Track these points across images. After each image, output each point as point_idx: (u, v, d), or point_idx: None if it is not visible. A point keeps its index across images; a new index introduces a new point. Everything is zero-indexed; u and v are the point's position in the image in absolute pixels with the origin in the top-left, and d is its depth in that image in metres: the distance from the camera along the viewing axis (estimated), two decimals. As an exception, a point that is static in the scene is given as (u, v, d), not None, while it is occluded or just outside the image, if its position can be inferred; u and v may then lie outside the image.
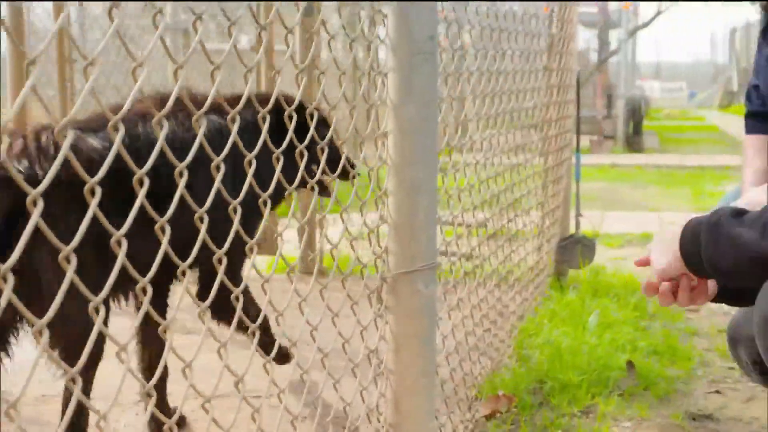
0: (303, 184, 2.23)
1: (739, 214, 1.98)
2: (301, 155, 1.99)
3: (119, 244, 1.35)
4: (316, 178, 2.14)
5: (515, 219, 4.29)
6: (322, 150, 2.09)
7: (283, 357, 3.04)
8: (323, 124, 2.82)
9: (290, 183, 1.99)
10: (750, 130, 3.38)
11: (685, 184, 10.87)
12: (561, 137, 5.03)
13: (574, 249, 4.98)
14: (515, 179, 4.26)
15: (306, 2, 4.05)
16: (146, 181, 1.42)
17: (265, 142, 1.83)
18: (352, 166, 3.03)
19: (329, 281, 2.09)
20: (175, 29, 8.22)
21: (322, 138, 2.12)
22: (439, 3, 2.96)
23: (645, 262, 2.20)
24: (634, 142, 15.84)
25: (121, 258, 1.35)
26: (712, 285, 2.20)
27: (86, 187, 1.26)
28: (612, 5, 22.72)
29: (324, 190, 3.08)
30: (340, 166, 2.31)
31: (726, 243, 1.93)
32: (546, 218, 4.91)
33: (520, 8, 4.21)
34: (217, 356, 1.67)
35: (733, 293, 2.11)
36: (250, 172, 1.78)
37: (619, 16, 19.30)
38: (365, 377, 2.39)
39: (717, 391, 3.64)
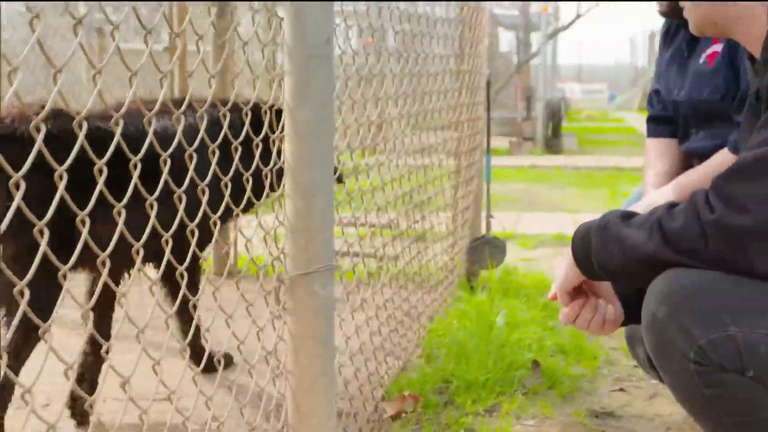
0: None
1: (628, 216, 2.02)
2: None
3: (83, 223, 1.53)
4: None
5: (424, 219, 4.33)
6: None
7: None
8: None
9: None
10: (651, 133, 3.45)
11: (602, 185, 11.01)
12: (472, 139, 5.07)
13: (484, 250, 5.02)
14: (426, 179, 4.30)
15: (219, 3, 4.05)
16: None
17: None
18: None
19: (221, 283, 2.10)
20: (89, 27, 8.15)
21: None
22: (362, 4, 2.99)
23: (555, 296, 2.26)
24: (553, 143, 16.01)
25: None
26: (617, 312, 2.25)
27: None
28: (533, 7, 22.95)
29: None
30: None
31: (615, 245, 1.98)
32: (457, 219, 4.96)
33: (432, 10, 4.26)
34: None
35: (638, 313, 2.15)
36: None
37: (539, 20, 19.49)
38: (264, 379, 2.39)
39: (621, 389, 3.70)
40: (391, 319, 3.59)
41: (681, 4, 2.18)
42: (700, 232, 1.82)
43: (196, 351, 3.17)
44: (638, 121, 25.22)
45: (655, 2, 3.23)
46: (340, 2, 3.00)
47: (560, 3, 24.61)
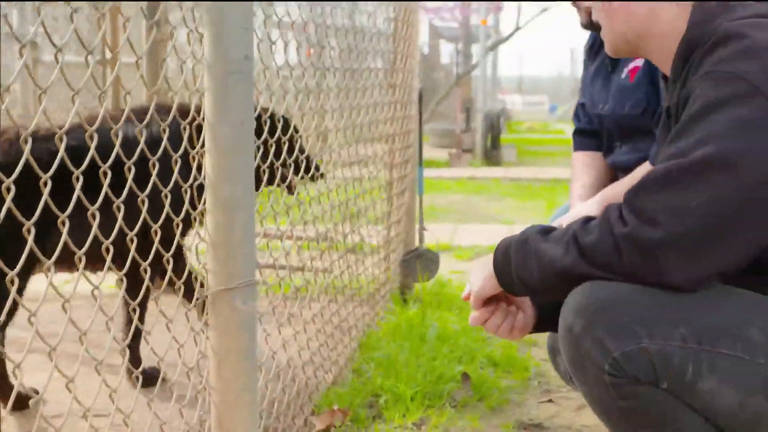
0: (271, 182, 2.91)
1: (546, 231, 2.05)
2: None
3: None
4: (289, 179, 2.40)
5: (356, 232, 4.34)
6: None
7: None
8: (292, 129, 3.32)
9: None
10: (578, 146, 3.50)
11: (539, 196, 11.08)
12: (404, 152, 5.10)
13: (417, 263, 5.04)
14: (358, 192, 4.31)
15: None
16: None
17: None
18: (317, 168, 3.62)
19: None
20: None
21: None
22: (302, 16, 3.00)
23: (469, 296, 2.27)
24: (492, 155, 16.09)
25: None
26: (528, 319, 2.27)
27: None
28: (473, 19, 23.09)
29: (291, 189, 3.51)
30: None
31: (533, 259, 2.00)
32: (390, 231, 4.97)
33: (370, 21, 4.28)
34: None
35: (550, 321, 2.17)
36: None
37: (478, 31, 19.61)
38: (186, 395, 2.39)
39: (550, 401, 3.73)
40: (320, 333, 3.59)
41: (596, 21, 2.21)
42: (613, 246, 1.85)
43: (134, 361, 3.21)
44: (578, 133, 25.41)
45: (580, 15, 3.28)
46: (278, 17, 3.02)
47: (500, 15, 24.80)
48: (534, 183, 12.77)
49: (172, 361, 2.36)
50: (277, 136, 2.94)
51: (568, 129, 30.51)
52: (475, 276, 2.19)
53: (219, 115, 2.17)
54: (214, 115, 2.18)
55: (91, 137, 1.86)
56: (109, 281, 2.15)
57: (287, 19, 3.08)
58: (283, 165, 3.12)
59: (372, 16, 4.46)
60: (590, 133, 3.46)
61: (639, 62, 3.11)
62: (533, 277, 2.01)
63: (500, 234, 7.65)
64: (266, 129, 2.85)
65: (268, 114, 2.90)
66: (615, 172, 3.34)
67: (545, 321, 2.23)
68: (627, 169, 3.16)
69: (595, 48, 3.46)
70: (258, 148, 2.58)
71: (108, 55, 5.70)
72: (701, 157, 1.80)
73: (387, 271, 4.94)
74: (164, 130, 2.20)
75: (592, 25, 3.07)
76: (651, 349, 1.85)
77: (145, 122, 2.19)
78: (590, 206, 3.10)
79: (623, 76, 3.17)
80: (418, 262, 5.03)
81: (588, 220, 1.96)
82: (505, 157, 16.65)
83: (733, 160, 1.79)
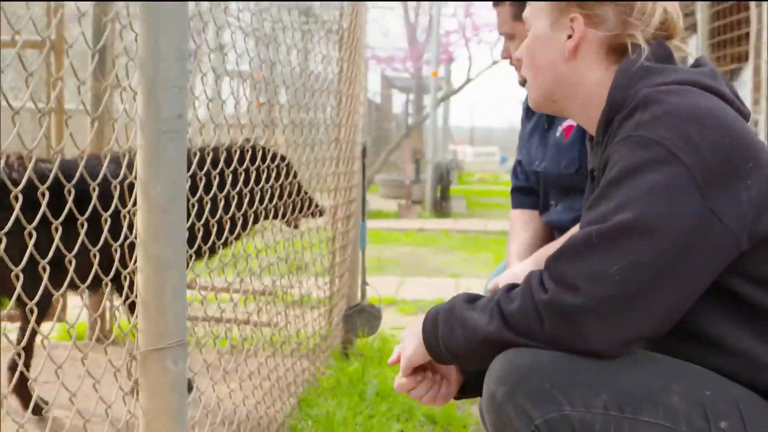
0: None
1: (473, 299, 2.05)
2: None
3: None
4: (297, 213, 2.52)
5: (301, 285, 4.32)
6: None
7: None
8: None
9: None
10: (516, 204, 3.51)
11: (487, 249, 11.13)
12: (347, 206, 5.10)
13: (359, 318, 5.02)
14: (305, 244, 4.30)
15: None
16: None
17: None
18: (316, 205, 3.89)
19: (68, 353, 2.07)
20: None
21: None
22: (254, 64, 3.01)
23: (397, 360, 2.26)
24: (441, 206, 16.14)
25: None
26: (452, 387, 2.27)
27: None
28: (424, 70, 23.30)
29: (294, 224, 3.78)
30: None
31: (458, 328, 2.00)
32: (332, 286, 4.96)
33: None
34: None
35: (476, 388, 2.17)
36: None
37: (429, 82, 19.77)
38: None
39: (484, 457, 3.71)
40: (257, 389, 3.56)
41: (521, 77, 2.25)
42: (535, 313, 1.86)
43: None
44: (527, 185, 25.60)
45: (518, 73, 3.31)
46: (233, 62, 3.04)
47: (452, 67, 25.05)
48: (482, 235, 12.82)
49: (99, 421, 2.33)
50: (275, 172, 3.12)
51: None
52: (407, 343, 2.18)
53: (151, 173, 2.16)
54: (147, 173, 2.16)
55: (16, 198, 1.85)
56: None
57: (235, 68, 3.09)
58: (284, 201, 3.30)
59: (319, 78, 4.49)
60: (528, 190, 3.47)
61: (572, 121, 3.14)
62: (459, 345, 2.01)
63: (446, 287, 7.71)
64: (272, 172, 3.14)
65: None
66: (551, 231, 3.36)
67: (471, 388, 2.22)
68: (562, 228, 3.18)
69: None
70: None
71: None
72: (620, 222, 1.82)
73: (329, 326, 4.92)
74: (93, 189, 2.17)
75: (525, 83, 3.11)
76: (573, 416, 1.85)
77: (74, 181, 2.16)
78: (525, 266, 3.11)
79: (558, 134, 3.19)
80: (360, 318, 5.01)
81: (512, 287, 1.97)
82: (454, 209, 16.72)
83: (651, 226, 1.80)
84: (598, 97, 2.08)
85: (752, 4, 12.31)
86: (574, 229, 3.06)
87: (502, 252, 10.57)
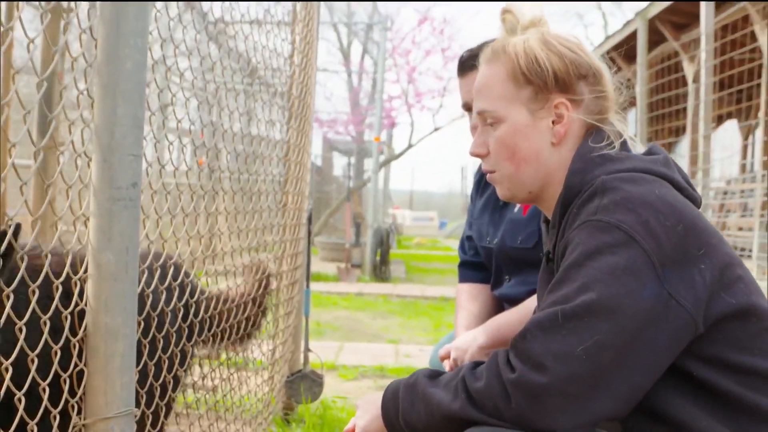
0: None
1: (435, 375, 2.06)
2: None
3: None
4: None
5: (242, 351, 4.29)
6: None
7: None
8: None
9: None
10: (463, 278, 3.54)
11: (426, 314, 11.13)
12: (292, 273, 5.09)
13: (301, 384, 5.00)
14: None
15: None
16: None
17: None
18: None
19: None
20: None
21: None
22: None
23: (352, 431, 2.26)
24: (381, 270, 16.15)
25: None
26: None
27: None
28: (366, 134, 23.47)
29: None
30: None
31: (420, 403, 2.01)
32: (276, 351, 4.93)
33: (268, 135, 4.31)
34: None
35: None
36: None
37: (373, 147, 19.89)
38: None
39: None
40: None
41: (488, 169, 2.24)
42: (501, 392, 1.87)
43: None
44: (466, 250, 25.70)
45: None
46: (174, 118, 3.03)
47: (394, 131, 25.23)
48: (421, 300, 12.82)
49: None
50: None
51: (457, 245, 30.97)
52: (362, 414, 2.18)
53: (103, 242, 2.15)
54: (99, 241, 2.15)
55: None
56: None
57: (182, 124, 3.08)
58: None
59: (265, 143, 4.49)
60: (475, 265, 3.50)
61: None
62: (420, 420, 2.01)
63: (386, 353, 7.68)
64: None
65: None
66: (502, 304, 3.38)
67: None
68: (516, 301, 3.20)
69: (482, 183, 3.52)
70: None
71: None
72: (584, 302, 1.85)
73: (271, 393, 4.88)
74: (33, 292, 2.10)
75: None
76: None
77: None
78: (474, 335, 3.13)
79: (516, 210, 3.22)
80: (302, 384, 4.99)
81: (476, 365, 1.98)
82: (393, 273, 16.73)
83: (612, 307, 1.83)
84: (558, 181, 2.12)
85: (689, 81, 12.60)
86: (528, 302, 3.09)
87: (440, 318, 10.60)
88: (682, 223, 1.92)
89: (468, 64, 3.18)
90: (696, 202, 2.07)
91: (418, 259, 22.40)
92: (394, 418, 2.08)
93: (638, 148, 2.18)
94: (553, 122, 2.12)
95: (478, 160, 3.39)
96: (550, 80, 2.10)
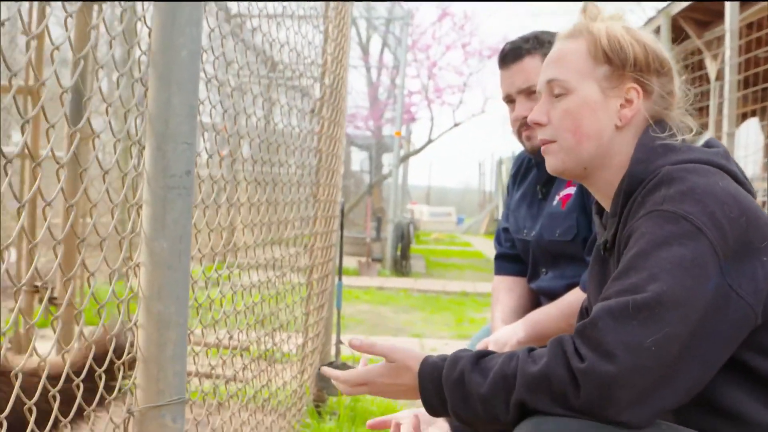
0: None
1: (480, 366, 2.01)
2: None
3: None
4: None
5: (281, 343, 4.31)
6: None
7: None
8: None
9: None
10: (500, 271, 3.53)
11: (447, 309, 11.13)
12: (325, 265, 5.09)
13: (333, 376, 5.00)
14: (281, 304, 4.28)
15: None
16: None
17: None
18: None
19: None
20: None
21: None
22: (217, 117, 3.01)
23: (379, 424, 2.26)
24: (401, 265, 16.15)
25: None
26: None
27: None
28: (385, 129, 23.46)
29: None
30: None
31: (475, 397, 1.97)
32: (308, 344, 4.93)
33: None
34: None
35: None
36: None
37: (392, 142, 19.88)
38: None
39: None
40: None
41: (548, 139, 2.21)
42: (570, 380, 1.85)
43: None
44: (485, 246, 25.76)
45: (511, 134, 3.30)
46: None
47: (412, 126, 25.21)
48: (442, 295, 12.83)
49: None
50: None
51: (475, 241, 30.78)
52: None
53: (157, 230, 2.15)
54: (152, 230, 2.15)
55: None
56: None
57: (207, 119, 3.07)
58: None
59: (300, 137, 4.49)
60: (512, 257, 3.49)
61: (570, 190, 3.16)
62: (477, 414, 1.98)
63: (411, 347, 7.66)
64: None
65: None
66: (539, 297, 3.37)
67: None
68: (553, 294, 3.19)
69: (520, 175, 3.51)
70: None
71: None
72: (654, 293, 1.83)
73: (304, 384, 4.89)
74: None
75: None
76: None
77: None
78: (516, 329, 3.12)
79: (554, 203, 3.21)
80: (336, 376, 4.99)
81: (531, 350, 1.97)
82: (414, 268, 16.74)
83: (681, 299, 1.83)
84: (621, 169, 2.11)
85: (711, 79, 12.55)
86: (567, 296, 3.08)
87: (462, 313, 10.60)
88: (745, 215, 1.92)
89: (511, 55, 3.17)
90: (753, 195, 2.07)
91: (438, 254, 22.39)
92: (442, 412, 2.07)
93: (696, 142, 2.18)
94: (621, 105, 2.12)
95: (497, 155, 3.36)
96: (629, 64, 2.11)
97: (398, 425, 2.34)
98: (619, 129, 2.13)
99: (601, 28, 2.15)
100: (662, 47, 2.17)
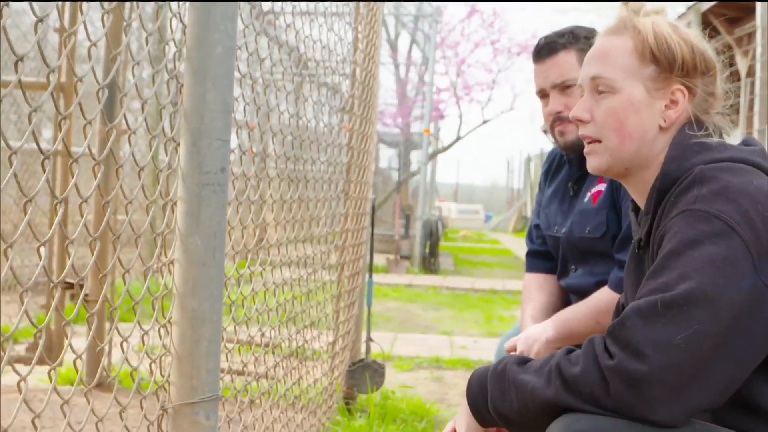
0: None
1: (524, 361, 2.04)
2: None
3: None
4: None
5: (312, 340, 4.31)
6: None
7: None
8: None
9: None
10: (531, 268, 3.51)
11: (476, 307, 11.12)
12: (355, 263, 5.09)
13: (363, 373, 5.00)
14: (311, 302, 4.28)
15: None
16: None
17: None
18: None
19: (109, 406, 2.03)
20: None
21: None
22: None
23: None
24: (429, 263, 16.14)
25: None
26: None
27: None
28: (413, 126, 23.45)
29: None
30: None
31: (512, 391, 1.99)
32: (338, 342, 4.93)
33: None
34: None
35: None
36: None
37: (420, 139, 19.87)
38: None
39: None
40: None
41: (588, 136, 2.19)
42: (600, 378, 1.85)
43: None
44: (513, 243, 25.74)
45: (543, 132, 3.28)
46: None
47: (441, 123, 25.20)
48: (471, 293, 12.82)
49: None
50: None
51: (503, 239, 30.74)
52: (460, 417, 2.20)
53: (191, 226, 2.15)
54: (187, 226, 2.15)
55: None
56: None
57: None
58: None
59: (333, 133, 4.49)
60: (543, 254, 3.47)
61: (601, 186, 3.14)
62: (512, 409, 2.00)
63: (440, 344, 7.69)
64: None
65: None
66: (568, 295, 3.35)
67: None
68: (583, 292, 3.17)
69: (551, 171, 3.48)
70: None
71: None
72: (683, 292, 1.82)
73: (335, 381, 4.89)
74: None
75: (576, 146, 3.06)
76: None
77: None
78: (544, 328, 3.10)
79: (585, 199, 3.19)
80: (366, 373, 4.99)
81: (570, 350, 1.97)
82: (442, 266, 16.73)
83: (712, 297, 1.81)
84: (656, 167, 2.10)
85: (742, 75, 12.48)
86: (597, 294, 3.06)
87: (491, 310, 10.58)
88: None
89: (546, 50, 3.15)
90: None
91: (466, 251, 22.38)
92: (482, 408, 2.07)
93: (730, 141, 2.16)
94: (666, 106, 2.10)
95: (525, 153, 3.33)
96: (677, 65, 2.09)
97: None
98: (662, 130, 2.11)
99: (647, 25, 2.12)
100: (708, 47, 2.15)
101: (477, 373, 2.11)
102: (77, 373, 1.97)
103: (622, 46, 2.14)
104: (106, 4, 2.02)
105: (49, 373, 1.83)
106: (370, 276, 5.34)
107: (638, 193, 2.18)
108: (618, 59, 2.14)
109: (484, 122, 22.81)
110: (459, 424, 2.20)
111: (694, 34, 2.15)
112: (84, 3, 5.19)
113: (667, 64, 2.09)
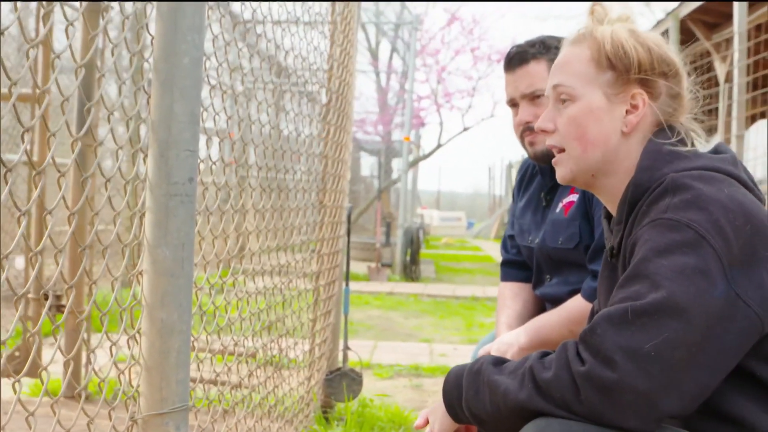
0: None
1: (500, 362, 2.05)
2: None
3: None
4: None
5: (287, 349, 4.30)
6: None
7: None
8: None
9: None
10: (505, 277, 3.53)
11: (457, 314, 11.12)
12: (332, 271, 5.09)
13: (341, 382, 5.00)
14: (287, 310, 4.28)
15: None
16: None
17: None
18: None
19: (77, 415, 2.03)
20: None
21: None
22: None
23: (423, 424, 2.27)
24: (411, 270, 16.14)
25: None
26: None
27: None
28: (394, 134, 23.47)
29: None
30: None
31: (486, 391, 2.01)
32: (315, 350, 4.93)
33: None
34: None
35: None
36: None
37: (401, 147, 19.88)
38: None
39: None
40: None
41: (554, 146, 2.20)
42: (571, 384, 1.86)
43: None
44: (495, 250, 25.72)
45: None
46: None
47: (422, 131, 25.21)
48: (452, 300, 12.82)
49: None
50: None
51: (485, 246, 30.75)
52: (433, 415, 2.21)
53: (159, 237, 2.15)
54: (154, 237, 2.15)
55: None
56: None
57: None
58: None
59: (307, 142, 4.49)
60: (518, 264, 3.50)
61: (573, 197, 3.15)
62: (484, 408, 2.01)
63: (420, 352, 7.69)
64: None
65: None
66: (544, 303, 3.37)
67: None
68: (557, 300, 3.19)
69: (524, 181, 3.50)
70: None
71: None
72: (653, 300, 1.83)
73: (312, 390, 4.88)
74: None
75: (545, 156, 3.08)
76: None
77: None
78: (518, 334, 3.12)
79: (557, 210, 3.20)
80: (343, 382, 4.99)
81: (544, 354, 1.98)
82: (423, 273, 16.73)
83: (682, 305, 1.82)
84: (627, 175, 2.11)
85: (720, 81, 12.53)
86: (569, 303, 3.08)
87: (472, 318, 10.59)
88: (751, 223, 1.90)
89: (516, 59, 3.16)
90: (762, 201, 2.06)
91: (447, 259, 22.38)
92: (457, 405, 2.09)
93: (704, 147, 2.17)
94: (626, 111, 2.11)
95: (505, 161, 3.34)
96: (633, 69, 2.10)
97: None
98: (625, 135, 2.12)
99: (605, 32, 2.14)
100: (670, 48, 2.16)
101: (454, 370, 2.13)
102: (43, 384, 1.97)
103: (580, 55, 2.16)
104: (70, 13, 2.02)
105: (13, 385, 1.82)
106: (347, 284, 5.34)
107: (609, 200, 2.19)
108: (576, 67, 2.15)
109: (465, 129, 22.83)
110: (433, 419, 2.20)
111: (654, 37, 2.15)
112: (54, 11, 5.18)
113: (623, 68, 2.11)
